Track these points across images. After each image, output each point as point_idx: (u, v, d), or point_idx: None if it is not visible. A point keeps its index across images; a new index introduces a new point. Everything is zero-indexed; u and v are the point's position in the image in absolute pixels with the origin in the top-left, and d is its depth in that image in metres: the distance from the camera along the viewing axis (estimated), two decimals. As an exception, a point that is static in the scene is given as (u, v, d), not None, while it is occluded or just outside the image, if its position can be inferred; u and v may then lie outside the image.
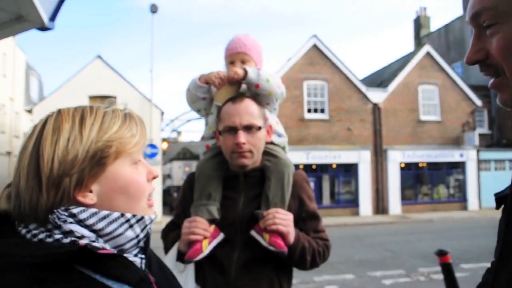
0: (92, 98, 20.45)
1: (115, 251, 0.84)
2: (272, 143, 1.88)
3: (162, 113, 22.40)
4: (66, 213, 0.81)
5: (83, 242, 0.79)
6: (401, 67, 22.29)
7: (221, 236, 1.68)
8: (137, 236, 0.89)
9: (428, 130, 21.79)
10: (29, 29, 3.19)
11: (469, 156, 22.06)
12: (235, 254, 1.67)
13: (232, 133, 1.68)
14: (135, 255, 0.91)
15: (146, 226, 0.90)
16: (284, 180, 1.75)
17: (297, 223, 1.72)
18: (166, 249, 1.80)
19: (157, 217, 0.97)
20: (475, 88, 22.47)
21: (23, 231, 0.82)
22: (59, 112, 0.87)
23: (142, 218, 0.89)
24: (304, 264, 1.73)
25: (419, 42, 29.11)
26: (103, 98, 20.96)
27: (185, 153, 37.47)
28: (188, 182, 1.88)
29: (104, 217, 0.84)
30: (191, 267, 1.68)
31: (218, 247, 1.67)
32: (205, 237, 1.64)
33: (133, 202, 0.88)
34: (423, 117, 21.84)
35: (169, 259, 1.71)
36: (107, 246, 0.84)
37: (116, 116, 0.89)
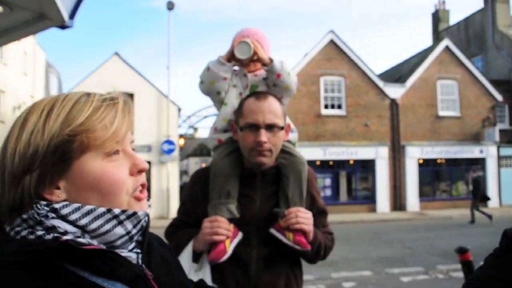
0: (110, 95, 20.60)
1: (103, 247, 0.77)
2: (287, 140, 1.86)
3: (179, 109, 22.50)
4: (47, 208, 0.75)
5: (65, 237, 0.73)
6: (419, 62, 21.96)
7: (240, 235, 1.68)
8: (129, 232, 0.81)
9: (447, 126, 21.46)
10: (50, 27, 3.24)
11: (489, 152, 21.67)
12: (254, 251, 1.68)
13: (254, 131, 1.65)
14: (130, 250, 0.84)
15: (139, 221, 0.83)
16: (302, 178, 1.76)
17: None
18: (177, 248, 1.72)
19: (150, 210, 0.89)
20: (495, 83, 22.00)
21: (8, 228, 0.77)
22: (35, 102, 0.81)
23: (134, 214, 0.81)
24: (317, 259, 1.78)
25: (437, 36, 28.66)
26: (121, 95, 21.12)
27: (201, 149, 37.64)
28: (200, 178, 1.84)
29: (88, 213, 0.77)
30: (207, 266, 1.66)
31: (236, 244, 1.67)
32: (227, 237, 1.63)
33: (107, 199, 0.79)
34: (442, 113, 21.51)
35: (184, 259, 1.67)
36: (94, 242, 0.77)
37: (88, 104, 0.79)
